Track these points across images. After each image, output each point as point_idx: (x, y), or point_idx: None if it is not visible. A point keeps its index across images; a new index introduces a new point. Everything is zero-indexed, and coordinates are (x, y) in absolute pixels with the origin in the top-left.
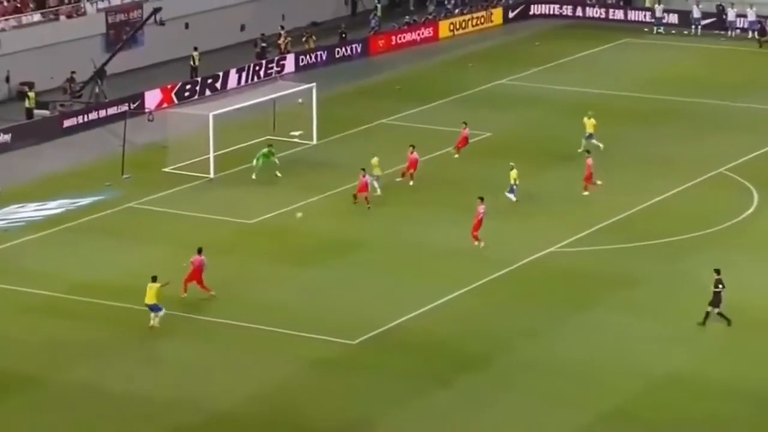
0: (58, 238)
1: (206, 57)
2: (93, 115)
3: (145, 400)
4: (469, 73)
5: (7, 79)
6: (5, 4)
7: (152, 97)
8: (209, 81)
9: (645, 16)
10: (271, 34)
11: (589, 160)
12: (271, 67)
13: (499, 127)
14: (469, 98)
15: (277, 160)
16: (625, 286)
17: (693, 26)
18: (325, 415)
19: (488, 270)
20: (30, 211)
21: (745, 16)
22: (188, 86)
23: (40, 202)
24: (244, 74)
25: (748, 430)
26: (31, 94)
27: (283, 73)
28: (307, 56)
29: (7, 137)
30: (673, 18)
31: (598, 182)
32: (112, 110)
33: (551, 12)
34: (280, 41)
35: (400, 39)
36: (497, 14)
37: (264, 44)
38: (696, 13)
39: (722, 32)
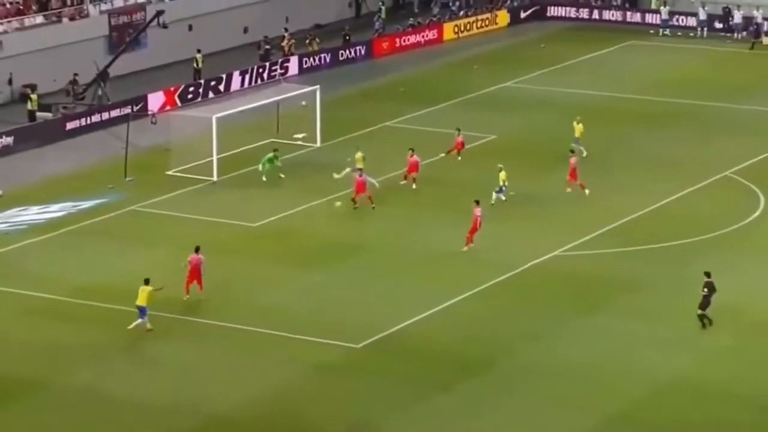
0: (61, 241)
1: (209, 59)
2: (96, 118)
3: (145, 404)
4: (473, 76)
5: (10, 82)
6: (8, 6)
7: (155, 100)
8: (212, 83)
9: (654, 18)
10: (274, 36)
11: (573, 159)
12: (275, 70)
13: (504, 129)
14: (474, 101)
15: (279, 164)
16: (629, 290)
17: (698, 28)
18: (327, 419)
19: (492, 274)
20: (32, 213)
21: (751, 18)
22: (191, 88)
23: (42, 205)
24: (247, 76)
25: None
26: (34, 97)
27: (287, 75)
28: (311, 58)
29: (10, 140)
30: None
31: (581, 187)
32: (114, 113)
33: (566, 15)
34: (284, 43)
35: (404, 41)
36: (502, 16)
37: (268, 46)
38: (702, 15)
39: (728, 34)
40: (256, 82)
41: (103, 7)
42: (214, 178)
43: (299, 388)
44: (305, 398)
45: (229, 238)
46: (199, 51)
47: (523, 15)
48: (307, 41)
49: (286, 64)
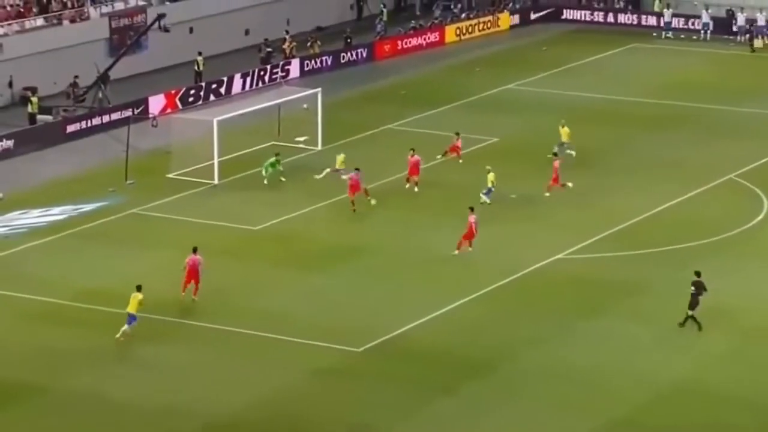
0: (61, 244)
1: (211, 62)
2: (96, 121)
3: (146, 407)
4: (475, 78)
5: (10, 84)
6: (8, 8)
7: (156, 103)
8: (214, 86)
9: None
10: (275, 38)
11: (557, 163)
12: (276, 72)
13: (506, 132)
14: (476, 103)
15: (281, 168)
16: (631, 293)
17: (702, 31)
18: (328, 424)
19: (494, 277)
20: (33, 217)
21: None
22: (192, 91)
23: (42, 208)
24: (248, 79)
25: None
26: (34, 99)
27: (288, 78)
28: (312, 61)
29: (10, 143)
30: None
31: (569, 184)
32: (115, 115)
33: (581, 18)
34: (285, 46)
35: (406, 44)
36: (504, 19)
37: (269, 49)
38: (705, 18)
39: (731, 37)
40: (257, 84)
41: (104, 9)
42: (215, 181)
43: (300, 392)
44: (306, 402)
45: (229, 242)
46: (200, 53)
47: (534, 16)
48: (309, 44)
49: (287, 67)
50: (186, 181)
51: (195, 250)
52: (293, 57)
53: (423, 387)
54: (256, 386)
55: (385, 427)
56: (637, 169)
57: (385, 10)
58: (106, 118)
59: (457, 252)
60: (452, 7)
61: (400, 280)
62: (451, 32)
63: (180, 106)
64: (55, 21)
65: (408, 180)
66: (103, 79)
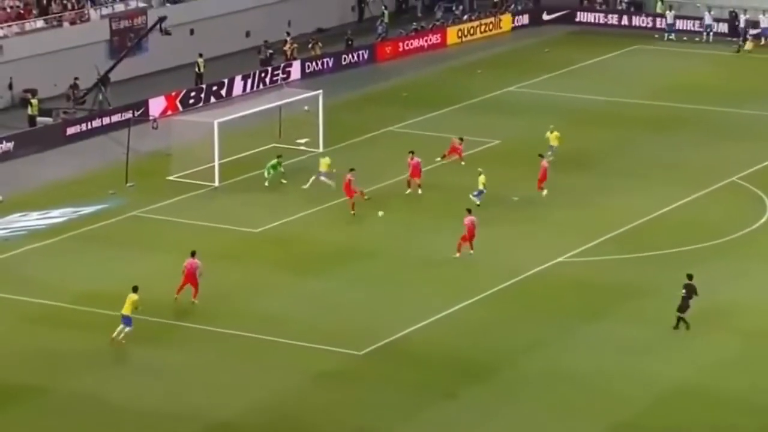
0: (61, 247)
1: (211, 64)
2: (96, 123)
3: (146, 410)
4: (477, 80)
5: (10, 86)
6: (8, 10)
7: (156, 105)
8: (214, 88)
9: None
10: (276, 40)
11: (544, 162)
12: (277, 74)
13: (508, 134)
14: (477, 105)
15: (282, 170)
16: (634, 296)
17: (705, 33)
18: (329, 427)
19: (495, 280)
20: (33, 219)
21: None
22: (193, 93)
23: (42, 211)
24: (249, 81)
25: None
26: (34, 102)
27: (289, 80)
28: (314, 63)
29: (10, 145)
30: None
31: (544, 191)
32: (115, 117)
33: (596, 20)
34: (286, 48)
35: (407, 45)
36: (506, 20)
37: (270, 51)
38: (707, 20)
39: (734, 39)
40: (258, 86)
41: (104, 11)
42: (216, 184)
43: (301, 395)
44: (307, 406)
45: (230, 244)
46: (200, 55)
47: (547, 17)
48: (310, 45)
49: (288, 69)
50: (186, 184)
51: (193, 254)
52: (294, 59)
53: (424, 390)
54: (256, 389)
55: (386, 430)
56: (639, 172)
57: (386, 12)
58: (106, 120)
59: (458, 255)
60: (454, 8)
61: (401, 283)
62: (452, 34)
63: (180, 108)
64: (55, 23)
65: (409, 184)
66: (104, 81)
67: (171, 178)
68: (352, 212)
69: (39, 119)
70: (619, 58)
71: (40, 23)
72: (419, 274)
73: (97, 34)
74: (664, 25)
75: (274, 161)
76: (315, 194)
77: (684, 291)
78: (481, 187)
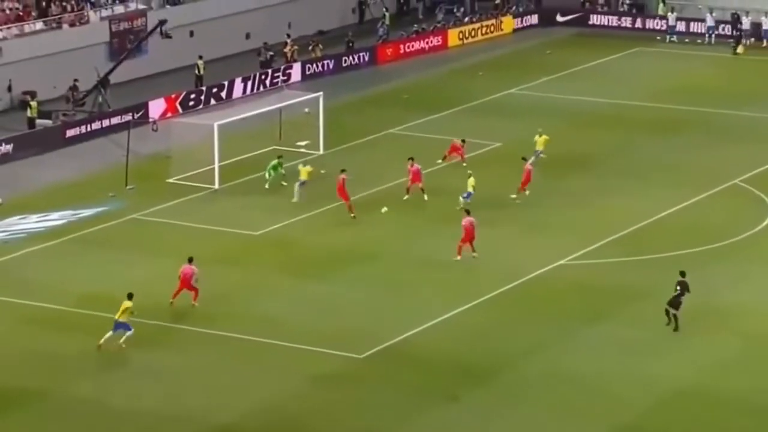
0: (61, 249)
1: (211, 66)
2: (96, 125)
3: (146, 413)
4: (478, 82)
5: (9, 89)
6: (7, 12)
7: (156, 107)
8: (214, 90)
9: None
10: (276, 42)
11: (528, 166)
12: (277, 76)
13: (509, 137)
14: (479, 108)
15: (283, 171)
16: (635, 299)
17: (707, 35)
18: (330, 430)
19: (496, 283)
20: (32, 222)
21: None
22: (193, 95)
23: (42, 213)
24: (249, 83)
25: None
26: (33, 104)
27: (290, 82)
28: (314, 65)
29: (9, 147)
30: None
31: (524, 193)
32: (115, 120)
33: (608, 23)
34: (287, 50)
35: (408, 47)
36: (507, 22)
37: (271, 53)
38: (709, 22)
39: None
40: (258, 88)
41: (104, 13)
42: (216, 186)
43: (302, 398)
44: (307, 409)
45: (230, 247)
46: (200, 57)
47: (561, 19)
48: (310, 47)
49: (288, 71)
50: (186, 186)
51: (190, 260)
52: (295, 61)
53: (425, 393)
54: (256, 392)
55: None
56: (641, 174)
57: (387, 14)
58: (105, 123)
59: (458, 257)
60: (455, 10)
61: (401, 286)
62: (453, 36)
63: (180, 111)
64: (54, 25)
65: (408, 191)
66: (103, 83)
67: (171, 180)
68: (352, 215)
69: (38, 121)
70: (621, 60)
71: (39, 25)
72: (420, 276)
73: (96, 36)
74: (658, 27)
75: (275, 162)
76: (315, 196)
77: (677, 288)
78: (470, 189)
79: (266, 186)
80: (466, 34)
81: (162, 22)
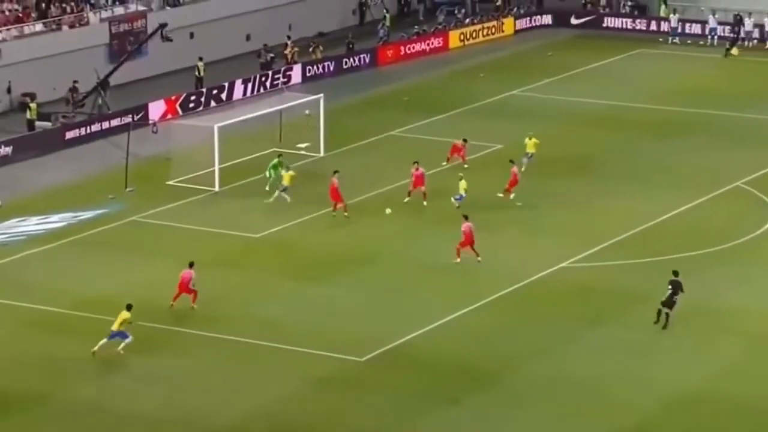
0: (61, 252)
1: (211, 67)
2: (96, 127)
3: (147, 417)
4: (479, 84)
5: (9, 90)
6: (7, 13)
7: (156, 109)
8: (214, 92)
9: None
10: (277, 44)
11: (515, 168)
12: (278, 78)
13: (511, 138)
14: (480, 109)
15: (292, 171)
16: (637, 302)
17: (709, 36)
18: None
19: (498, 286)
20: (31, 224)
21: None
22: (193, 97)
23: (41, 216)
24: (249, 85)
25: None
26: (33, 106)
27: (290, 83)
28: (314, 67)
29: (8, 149)
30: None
31: (510, 196)
32: (115, 122)
33: (623, 26)
34: (287, 51)
35: (409, 49)
36: (508, 24)
37: (272, 55)
38: (712, 23)
39: (739, 42)
40: (258, 90)
41: (104, 14)
42: (216, 189)
43: (302, 401)
44: (308, 412)
45: (230, 250)
46: (200, 59)
47: (575, 21)
48: (311, 49)
49: (289, 73)
50: (186, 188)
51: (191, 265)
52: (295, 62)
53: (426, 397)
54: (257, 396)
55: None
56: (643, 176)
57: (387, 15)
58: (105, 125)
59: (458, 260)
60: (456, 12)
61: (402, 289)
62: (454, 37)
63: (180, 112)
64: (54, 26)
65: (410, 194)
66: (103, 85)
67: (171, 182)
68: (345, 214)
69: (38, 123)
70: (623, 61)
71: (39, 27)
72: (421, 279)
73: (96, 37)
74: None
75: (275, 161)
76: (315, 199)
77: (670, 288)
78: (462, 192)
79: (266, 188)
80: (467, 36)
81: (162, 26)
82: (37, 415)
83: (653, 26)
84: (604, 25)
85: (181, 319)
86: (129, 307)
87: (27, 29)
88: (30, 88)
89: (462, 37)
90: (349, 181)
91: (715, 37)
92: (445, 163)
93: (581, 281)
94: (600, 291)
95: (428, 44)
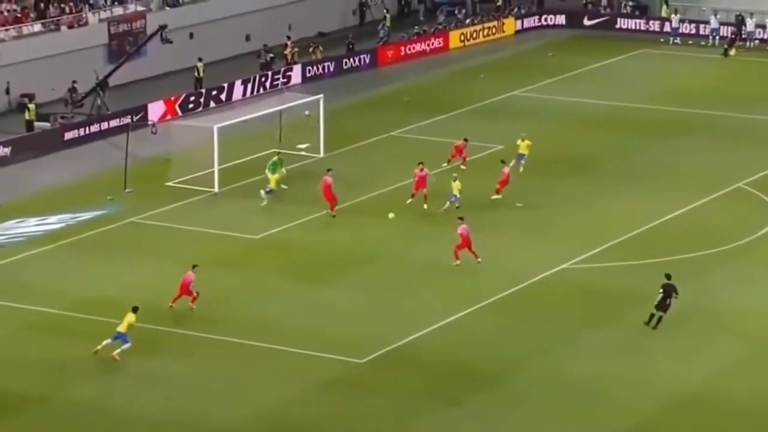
0: (59, 253)
1: (211, 68)
2: (95, 128)
3: (147, 419)
4: (480, 85)
5: (7, 91)
6: (5, 14)
7: (155, 109)
8: (214, 92)
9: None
10: (277, 44)
11: (506, 169)
12: (278, 78)
13: (511, 139)
14: (480, 110)
15: (284, 170)
16: (639, 303)
17: (710, 37)
18: None
19: (499, 287)
20: (30, 225)
21: (764, 26)
22: (192, 98)
23: (40, 217)
24: (249, 85)
25: None
26: (32, 106)
27: (290, 84)
28: (314, 67)
29: (7, 150)
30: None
31: (498, 197)
32: (114, 122)
33: (636, 27)
34: (287, 51)
35: (409, 49)
36: (509, 24)
37: (271, 55)
38: (713, 24)
39: (741, 43)
40: (258, 91)
41: (103, 15)
42: (216, 189)
43: (303, 403)
44: (309, 414)
45: (230, 251)
46: (200, 59)
47: (588, 22)
48: (311, 49)
49: (289, 73)
50: (186, 189)
51: (193, 267)
52: (295, 63)
53: (427, 398)
54: (257, 398)
55: None
56: (644, 177)
57: (388, 16)
58: (104, 125)
59: (457, 262)
60: (456, 12)
61: (403, 290)
62: (455, 38)
63: (180, 113)
64: (52, 26)
65: (413, 196)
66: (102, 85)
67: (170, 183)
68: (332, 214)
69: (36, 124)
70: (624, 62)
71: (37, 27)
72: (421, 280)
73: (95, 38)
74: (660, 29)
75: (275, 158)
76: (315, 200)
77: (661, 291)
78: (455, 192)
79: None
80: (468, 36)
81: (162, 27)
82: (36, 416)
83: (666, 27)
84: (617, 26)
85: (180, 320)
86: (135, 310)
87: (25, 30)
88: (29, 89)
89: (462, 38)
90: (349, 182)
91: (717, 37)
92: (445, 164)
93: (582, 282)
94: (601, 292)
95: (428, 44)
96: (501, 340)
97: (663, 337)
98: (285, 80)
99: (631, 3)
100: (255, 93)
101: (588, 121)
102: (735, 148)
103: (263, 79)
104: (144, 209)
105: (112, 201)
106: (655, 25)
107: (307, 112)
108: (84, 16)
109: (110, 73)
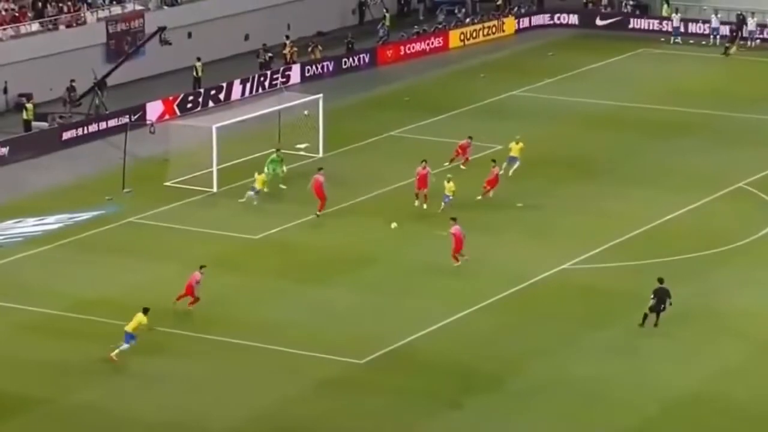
0: (57, 254)
1: (209, 67)
2: (93, 127)
3: (147, 420)
4: (480, 84)
5: (5, 91)
6: (3, 13)
7: (154, 109)
8: (212, 92)
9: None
10: (276, 43)
11: (495, 169)
12: (276, 78)
13: (511, 139)
14: (480, 110)
15: (285, 169)
16: (640, 303)
17: (711, 36)
18: None
19: (500, 287)
20: (28, 226)
21: (765, 26)
22: (191, 97)
23: (38, 217)
24: (248, 85)
25: None
26: (30, 106)
27: (289, 84)
28: (314, 66)
29: (5, 150)
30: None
31: (482, 197)
32: (112, 122)
33: (650, 27)
34: (286, 51)
35: (409, 49)
36: (509, 24)
37: (270, 55)
38: (714, 23)
39: (742, 42)
40: (257, 90)
41: (101, 14)
42: (214, 189)
43: (302, 404)
44: (308, 415)
45: (229, 251)
46: (198, 59)
47: (601, 23)
48: (310, 49)
49: (288, 73)
50: (184, 189)
51: (201, 267)
52: (294, 62)
53: (427, 399)
54: (257, 399)
55: None
56: (645, 177)
57: (387, 15)
58: (102, 125)
59: (459, 262)
60: (456, 11)
61: (403, 291)
62: (455, 37)
63: (178, 113)
64: (50, 26)
65: (417, 196)
66: (100, 85)
67: (168, 183)
68: (318, 213)
69: (34, 124)
70: (624, 61)
71: (35, 26)
72: (421, 280)
73: (93, 37)
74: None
75: (273, 156)
76: (315, 200)
77: (653, 297)
78: (449, 194)
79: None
80: (468, 36)
81: (161, 29)
82: (36, 417)
83: (682, 28)
84: (630, 26)
85: (180, 321)
86: (146, 311)
87: (23, 29)
88: (26, 89)
89: (462, 37)
90: (348, 182)
91: (718, 36)
92: (447, 164)
93: (582, 282)
94: (601, 292)
95: (428, 44)
96: (501, 340)
97: (663, 338)
98: (284, 80)
99: (631, 2)
100: (254, 93)
101: (588, 121)
102: (736, 148)
103: (262, 79)
104: (142, 209)
105: (110, 201)
106: (668, 26)
107: (306, 112)
108: (82, 15)
109: (108, 73)
